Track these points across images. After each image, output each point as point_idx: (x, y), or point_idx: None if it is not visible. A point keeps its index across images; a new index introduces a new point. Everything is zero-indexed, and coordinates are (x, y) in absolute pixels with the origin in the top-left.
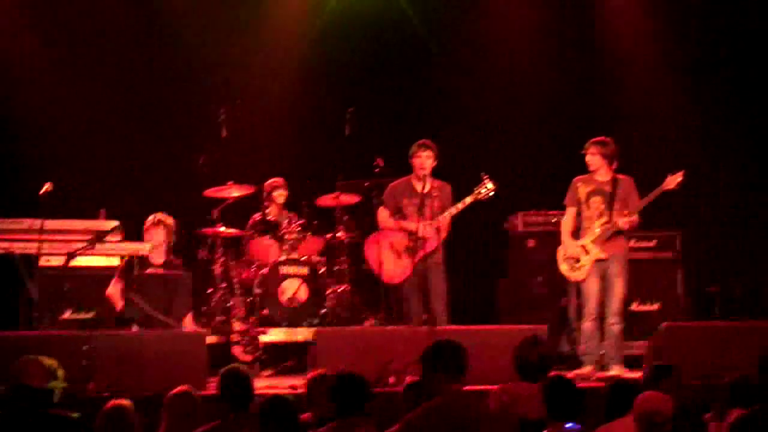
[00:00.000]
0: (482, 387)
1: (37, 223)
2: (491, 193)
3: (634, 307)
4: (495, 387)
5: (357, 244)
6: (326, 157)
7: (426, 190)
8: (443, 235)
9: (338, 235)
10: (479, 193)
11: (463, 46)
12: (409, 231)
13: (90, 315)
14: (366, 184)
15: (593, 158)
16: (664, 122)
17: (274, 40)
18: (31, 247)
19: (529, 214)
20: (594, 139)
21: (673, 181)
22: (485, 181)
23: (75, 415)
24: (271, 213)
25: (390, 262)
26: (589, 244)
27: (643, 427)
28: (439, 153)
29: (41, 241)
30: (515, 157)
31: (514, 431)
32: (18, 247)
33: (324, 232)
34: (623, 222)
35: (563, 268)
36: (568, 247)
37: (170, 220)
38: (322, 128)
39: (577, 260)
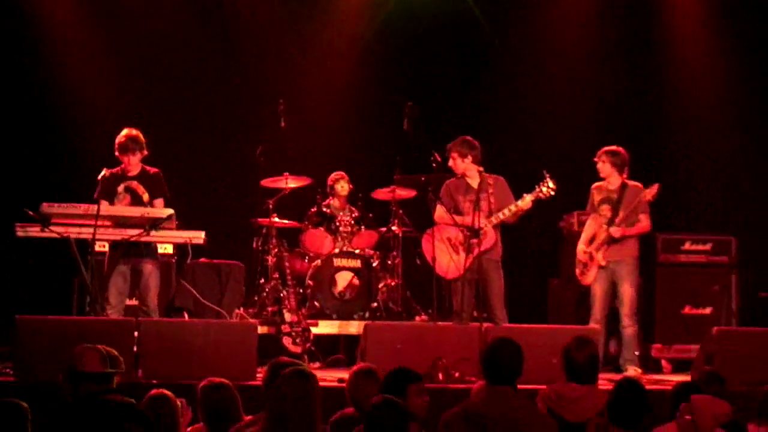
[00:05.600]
0: (531, 386)
1: (93, 208)
2: (552, 193)
3: (686, 310)
4: (543, 387)
5: (411, 238)
6: (384, 151)
7: (480, 185)
8: (512, 219)
9: (393, 229)
10: (540, 191)
11: (525, 43)
12: (466, 226)
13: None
14: (422, 179)
15: (603, 166)
16: (719, 127)
17: (334, 32)
18: (86, 233)
19: (584, 213)
20: (605, 148)
21: (649, 193)
22: (547, 180)
23: (130, 401)
24: (333, 206)
25: (445, 258)
26: (594, 250)
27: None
28: (481, 150)
29: (96, 227)
30: (572, 155)
31: None
32: (73, 232)
33: (379, 226)
34: (614, 230)
35: (576, 272)
36: (578, 252)
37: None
38: (381, 122)
39: (585, 264)
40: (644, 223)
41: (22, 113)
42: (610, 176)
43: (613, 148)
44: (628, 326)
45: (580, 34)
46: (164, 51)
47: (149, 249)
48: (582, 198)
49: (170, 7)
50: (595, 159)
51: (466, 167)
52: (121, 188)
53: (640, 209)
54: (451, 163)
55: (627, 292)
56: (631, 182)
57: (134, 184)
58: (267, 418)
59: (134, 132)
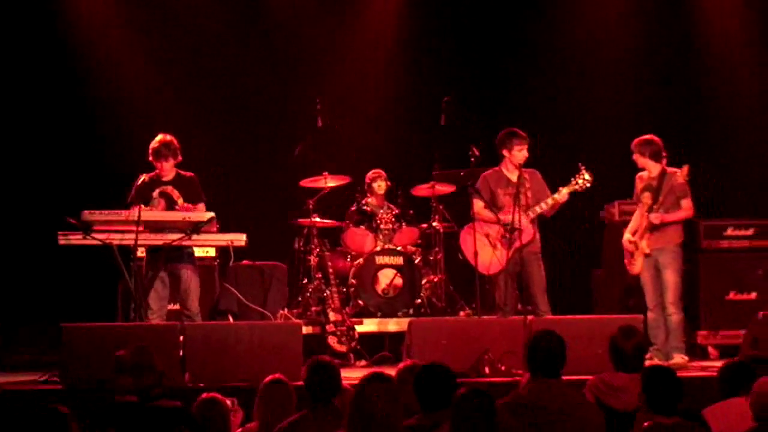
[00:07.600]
0: (577, 377)
1: (134, 214)
2: (588, 185)
3: (731, 296)
4: (590, 377)
5: (452, 233)
6: (422, 147)
7: (518, 179)
8: (549, 213)
9: (433, 224)
10: (576, 183)
11: (560, 36)
12: (504, 222)
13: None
14: (461, 174)
15: (638, 158)
16: (759, 111)
17: (370, 30)
18: (128, 239)
19: (626, 202)
20: (636, 140)
21: (681, 175)
22: (582, 172)
23: (177, 404)
24: (371, 204)
25: (485, 253)
26: (638, 239)
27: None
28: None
29: (138, 233)
30: (613, 144)
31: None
32: (116, 239)
33: (419, 222)
34: (653, 216)
35: (625, 261)
36: (624, 241)
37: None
38: (418, 118)
39: (632, 254)
40: (686, 208)
41: (59, 122)
42: (646, 166)
43: (645, 137)
44: (673, 313)
45: (616, 24)
46: (200, 53)
47: (186, 253)
48: (623, 188)
49: (207, 9)
50: (631, 151)
51: (523, 157)
52: (155, 193)
53: (681, 194)
54: (525, 154)
55: (670, 279)
56: (670, 169)
57: (169, 188)
58: (352, 422)
59: (168, 138)
